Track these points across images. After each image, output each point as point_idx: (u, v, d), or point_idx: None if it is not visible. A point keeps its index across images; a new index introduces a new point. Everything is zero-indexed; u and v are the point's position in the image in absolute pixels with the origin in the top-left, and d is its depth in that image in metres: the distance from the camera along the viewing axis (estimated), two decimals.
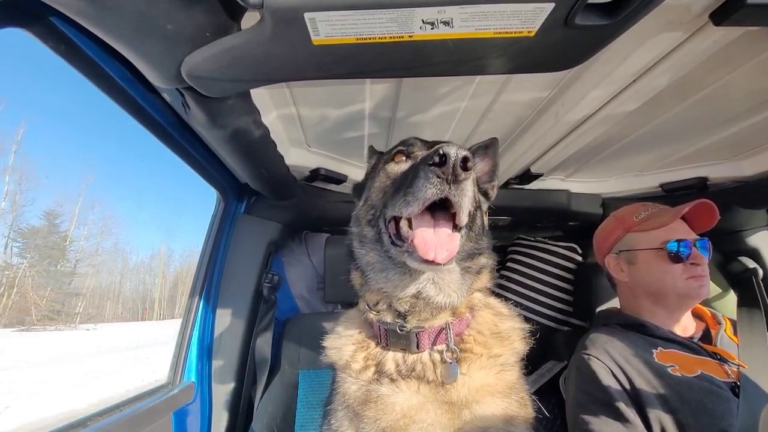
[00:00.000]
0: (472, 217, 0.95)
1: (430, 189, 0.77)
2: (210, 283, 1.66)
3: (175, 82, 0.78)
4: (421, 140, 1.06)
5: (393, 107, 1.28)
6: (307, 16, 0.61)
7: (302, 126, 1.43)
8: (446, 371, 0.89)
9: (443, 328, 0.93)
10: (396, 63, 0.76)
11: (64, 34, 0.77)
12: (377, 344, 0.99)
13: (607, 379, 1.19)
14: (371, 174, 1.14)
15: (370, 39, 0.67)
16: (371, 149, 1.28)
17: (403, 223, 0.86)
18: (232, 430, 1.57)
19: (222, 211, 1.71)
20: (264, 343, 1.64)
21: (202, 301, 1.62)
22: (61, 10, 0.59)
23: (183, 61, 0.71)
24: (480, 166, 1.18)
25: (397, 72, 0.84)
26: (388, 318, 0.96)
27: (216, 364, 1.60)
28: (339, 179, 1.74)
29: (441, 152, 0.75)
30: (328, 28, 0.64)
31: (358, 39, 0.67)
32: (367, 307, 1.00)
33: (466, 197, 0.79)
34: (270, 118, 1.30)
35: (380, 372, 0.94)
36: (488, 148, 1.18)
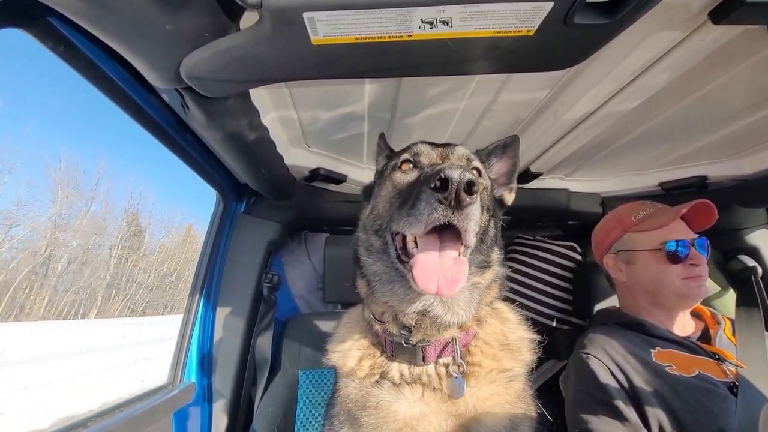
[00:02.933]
0: (483, 229, 0.90)
1: (433, 214, 0.72)
2: (210, 284, 1.66)
3: (174, 82, 0.78)
4: (430, 145, 1.00)
5: (392, 107, 1.28)
6: (306, 15, 0.61)
7: (301, 126, 1.42)
8: (452, 385, 0.86)
9: (449, 342, 0.90)
10: (395, 63, 0.76)
11: (62, 34, 0.77)
12: (382, 353, 0.96)
13: (606, 378, 1.19)
14: (379, 179, 1.08)
15: (369, 39, 0.67)
16: (381, 142, 1.21)
17: (409, 239, 0.82)
18: (232, 430, 1.57)
19: (222, 211, 1.71)
20: (264, 343, 1.64)
21: (202, 301, 1.62)
22: (59, 10, 0.59)
23: (182, 62, 0.71)
24: (497, 167, 1.13)
25: (396, 72, 0.84)
26: (394, 329, 0.92)
27: (216, 364, 1.60)
28: (338, 179, 1.74)
29: (443, 176, 0.69)
30: (327, 28, 0.64)
31: (357, 39, 0.67)
32: (372, 316, 0.97)
33: (471, 221, 0.74)
34: (269, 118, 1.30)
35: (384, 377, 0.92)
36: (507, 147, 1.11)
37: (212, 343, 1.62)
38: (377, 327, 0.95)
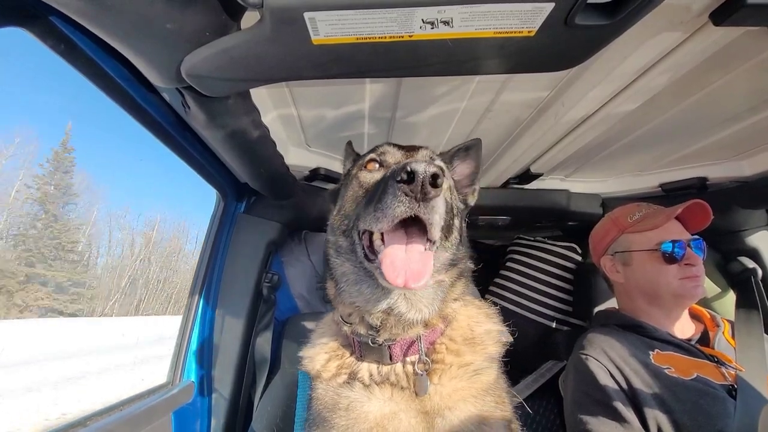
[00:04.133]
0: (447, 228, 0.92)
1: (399, 207, 0.74)
2: (210, 283, 1.66)
3: (174, 81, 0.78)
4: (395, 146, 1.03)
5: (393, 107, 1.28)
6: (306, 15, 0.61)
7: (302, 126, 1.42)
8: (419, 383, 0.87)
9: (415, 341, 0.91)
10: (396, 63, 0.76)
11: (63, 33, 0.77)
12: (351, 354, 0.97)
13: (605, 379, 1.19)
14: (345, 180, 1.10)
15: (369, 39, 0.67)
16: (348, 148, 1.23)
17: (376, 237, 0.83)
18: (231, 430, 1.57)
19: (222, 210, 1.71)
20: (264, 343, 1.64)
21: (201, 301, 1.62)
22: (60, 9, 0.59)
23: (182, 61, 0.71)
24: (460, 168, 1.15)
25: (397, 72, 0.84)
26: (362, 330, 0.94)
27: (216, 363, 1.60)
28: (338, 179, 1.74)
29: (409, 169, 0.72)
30: (327, 28, 0.64)
31: (357, 39, 0.67)
32: (340, 318, 0.98)
33: (437, 214, 0.77)
34: (269, 117, 1.30)
35: (353, 378, 0.92)
36: (470, 149, 1.14)
37: (212, 342, 1.62)
38: (345, 328, 0.97)
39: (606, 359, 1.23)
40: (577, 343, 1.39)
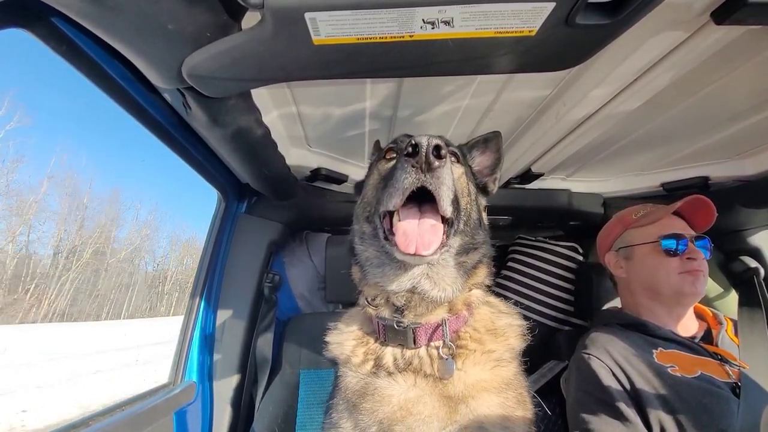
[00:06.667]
0: (467, 212, 0.96)
1: (407, 178, 0.80)
2: (211, 283, 1.66)
3: (176, 82, 0.78)
4: (411, 136, 1.06)
5: (394, 106, 1.28)
6: (307, 16, 0.61)
7: (303, 126, 1.43)
8: (443, 367, 0.90)
9: (440, 325, 0.94)
10: (397, 63, 0.76)
11: (65, 34, 0.77)
12: (376, 340, 1.01)
13: (608, 379, 1.19)
14: (368, 172, 1.16)
15: (370, 39, 0.67)
16: (376, 145, 1.27)
17: (395, 217, 0.87)
18: (233, 430, 1.57)
19: (223, 211, 1.71)
20: (265, 343, 1.64)
21: (203, 301, 1.62)
22: (62, 10, 0.60)
23: (184, 61, 0.71)
24: (479, 159, 1.18)
25: (398, 72, 0.84)
26: (386, 313, 0.97)
27: (217, 363, 1.60)
28: (340, 179, 1.74)
29: (413, 142, 0.78)
30: (328, 28, 0.64)
31: (358, 39, 0.67)
32: (366, 301, 1.01)
33: (444, 185, 0.81)
34: (271, 118, 1.30)
35: (379, 366, 0.95)
36: (488, 141, 1.18)
37: (213, 342, 1.62)
38: (370, 311, 0.99)
39: (608, 358, 1.23)
40: (580, 342, 1.39)
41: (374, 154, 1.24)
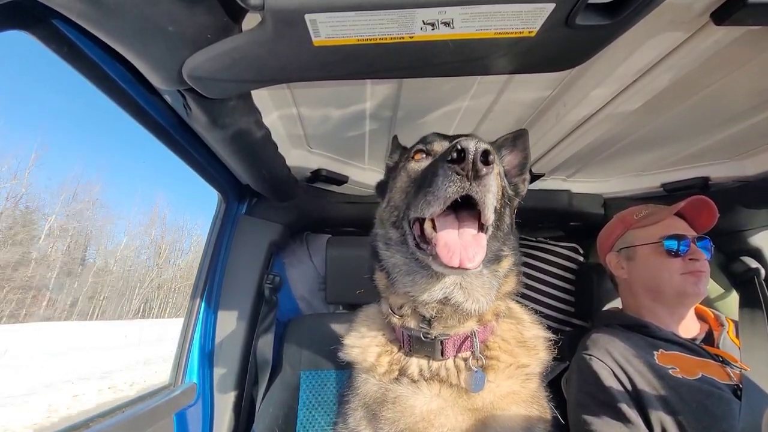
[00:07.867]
0: (499, 215, 0.90)
1: (451, 187, 0.73)
2: (211, 285, 1.66)
3: (176, 83, 0.78)
4: (441, 135, 1.01)
5: (394, 107, 1.28)
6: (307, 17, 0.61)
7: (303, 127, 1.43)
8: (470, 379, 0.85)
9: (468, 336, 0.90)
10: (397, 64, 0.76)
11: (66, 36, 0.77)
12: (399, 349, 0.96)
13: (609, 380, 1.18)
14: (393, 173, 1.09)
15: (370, 40, 0.67)
16: (394, 142, 1.22)
17: (427, 225, 0.82)
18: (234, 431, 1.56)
19: (223, 212, 1.71)
20: (265, 344, 1.63)
21: (203, 303, 1.62)
22: (63, 12, 0.60)
23: (184, 63, 0.71)
24: (508, 158, 1.13)
25: (398, 73, 0.84)
26: (412, 323, 0.92)
27: (218, 365, 1.60)
28: (340, 180, 1.74)
29: (459, 147, 0.70)
30: (328, 30, 0.64)
31: (358, 40, 0.67)
32: (390, 310, 0.96)
33: (489, 193, 0.74)
34: (271, 119, 1.30)
35: (402, 374, 0.92)
36: (516, 139, 1.12)
37: (214, 343, 1.62)
38: (395, 320, 0.95)
39: (610, 359, 1.22)
40: (581, 343, 1.39)
41: (395, 152, 1.19)
